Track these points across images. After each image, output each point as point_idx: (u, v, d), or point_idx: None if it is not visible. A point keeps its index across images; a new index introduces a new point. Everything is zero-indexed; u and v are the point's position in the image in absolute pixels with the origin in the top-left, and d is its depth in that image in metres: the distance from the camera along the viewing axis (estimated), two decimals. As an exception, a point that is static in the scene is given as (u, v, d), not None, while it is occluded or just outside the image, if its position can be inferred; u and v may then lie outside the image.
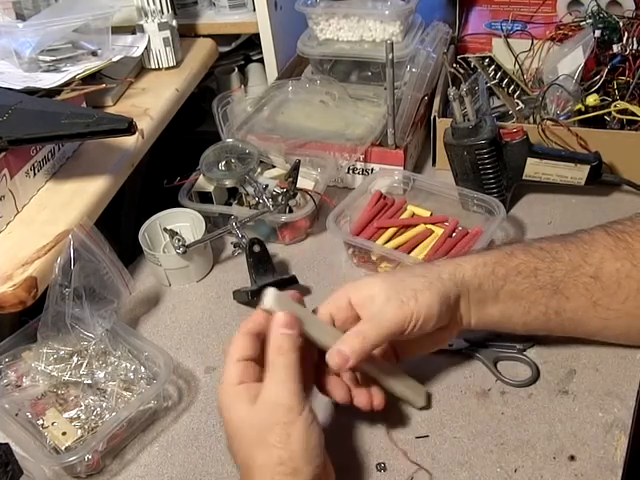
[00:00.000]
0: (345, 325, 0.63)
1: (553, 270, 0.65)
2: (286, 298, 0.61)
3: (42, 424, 0.68)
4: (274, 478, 0.54)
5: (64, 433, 0.67)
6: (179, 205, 0.92)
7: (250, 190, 0.93)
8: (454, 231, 0.88)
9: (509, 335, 0.76)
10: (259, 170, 0.96)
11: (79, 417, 0.69)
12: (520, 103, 1.05)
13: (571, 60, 1.01)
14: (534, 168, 0.92)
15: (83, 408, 0.69)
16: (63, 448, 0.66)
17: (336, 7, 1.07)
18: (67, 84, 0.95)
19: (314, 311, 0.64)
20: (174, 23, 1.13)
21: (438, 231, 0.89)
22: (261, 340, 0.61)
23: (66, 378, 0.72)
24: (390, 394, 0.66)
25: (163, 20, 1.11)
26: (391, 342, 0.67)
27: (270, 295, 0.60)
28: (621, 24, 1.01)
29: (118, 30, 1.09)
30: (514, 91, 1.07)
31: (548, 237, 0.69)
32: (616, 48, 0.99)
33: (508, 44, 1.14)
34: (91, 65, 0.99)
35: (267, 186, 0.92)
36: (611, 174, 0.95)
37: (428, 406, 0.68)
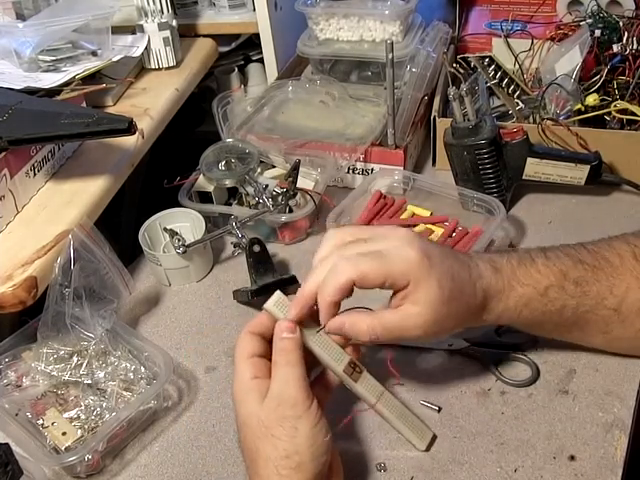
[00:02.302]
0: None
1: (579, 306, 0.64)
2: (289, 303, 0.61)
3: (42, 424, 0.68)
4: (278, 471, 0.55)
5: (64, 433, 0.67)
6: (179, 205, 0.92)
7: (250, 190, 0.93)
8: (454, 231, 0.88)
9: (509, 335, 0.76)
10: (259, 170, 0.96)
11: (79, 417, 0.69)
12: (520, 103, 1.05)
13: (569, 60, 1.01)
14: (534, 168, 0.92)
15: (83, 408, 0.69)
16: (63, 448, 0.66)
17: (336, 7, 1.07)
18: (67, 84, 0.95)
19: None
20: (174, 23, 1.13)
21: (438, 231, 0.89)
22: (267, 339, 0.61)
23: (66, 378, 0.72)
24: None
25: (163, 20, 1.11)
26: None
27: (274, 298, 0.61)
28: (621, 24, 1.01)
29: (118, 30, 1.09)
30: (514, 91, 1.07)
31: (583, 258, 0.65)
32: (616, 48, 0.99)
33: (508, 44, 1.14)
34: (91, 65, 0.99)
35: (267, 186, 0.92)
36: (611, 174, 0.95)
37: (428, 450, 0.66)
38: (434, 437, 0.67)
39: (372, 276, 0.58)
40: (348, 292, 0.59)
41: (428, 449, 0.66)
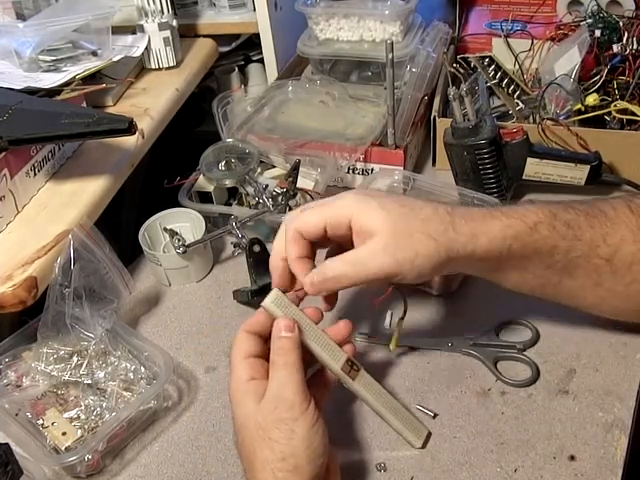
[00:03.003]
0: (335, 237, 0.63)
1: (571, 250, 0.62)
2: (287, 301, 0.61)
3: (42, 424, 0.68)
4: (275, 474, 0.55)
5: (64, 433, 0.67)
6: (179, 205, 0.92)
7: (250, 190, 0.93)
8: (454, 231, 0.88)
9: (509, 335, 0.76)
10: (259, 170, 0.96)
11: (79, 417, 0.69)
12: (520, 103, 1.05)
13: (567, 59, 1.01)
14: (534, 168, 0.92)
15: (83, 408, 0.69)
16: (63, 448, 0.66)
17: (336, 7, 1.07)
18: (67, 84, 0.95)
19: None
20: (174, 23, 1.13)
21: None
22: (264, 339, 0.61)
23: (66, 378, 0.72)
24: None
25: (163, 20, 1.11)
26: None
27: (271, 296, 0.61)
28: (621, 24, 1.01)
29: (118, 30, 1.09)
30: (514, 91, 1.07)
31: (575, 205, 0.64)
32: (616, 48, 0.99)
33: (508, 44, 1.14)
34: (91, 65, 0.99)
35: (267, 186, 0.92)
36: (611, 174, 0.95)
37: (424, 447, 0.66)
38: (429, 434, 0.67)
39: (312, 220, 0.62)
40: (302, 244, 0.62)
41: (424, 446, 0.66)
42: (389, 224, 0.59)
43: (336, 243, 0.65)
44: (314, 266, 0.63)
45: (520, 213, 0.62)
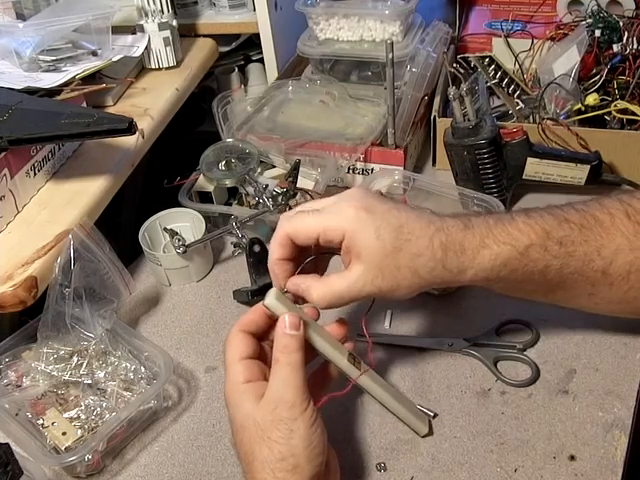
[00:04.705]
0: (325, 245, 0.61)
1: (564, 267, 0.61)
2: (286, 299, 0.61)
3: (42, 424, 0.68)
4: (275, 474, 0.55)
5: (64, 433, 0.67)
6: (179, 205, 0.92)
7: (250, 190, 0.93)
8: (454, 231, 0.88)
9: (509, 335, 0.76)
10: (259, 170, 0.96)
11: (79, 417, 0.69)
12: (520, 103, 1.05)
13: (566, 59, 1.01)
14: (534, 168, 0.92)
15: (83, 408, 0.69)
16: (63, 448, 0.66)
17: (336, 7, 1.07)
18: (67, 84, 0.95)
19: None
20: (174, 23, 1.13)
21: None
22: (257, 338, 0.61)
23: (66, 378, 0.72)
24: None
25: (163, 20, 1.11)
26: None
27: (272, 294, 0.60)
28: (621, 24, 1.01)
29: (118, 30, 1.09)
30: (514, 91, 1.07)
31: (570, 217, 0.62)
32: (616, 48, 0.99)
33: (508, 44, 1.14)
34: (91, 65, 0.99)
35: (267, 186, 0.92)
36: (611, 174, 0.95)
37: (430, 433, 0.67)
38: (430, 422, 0.68)
39: (305, 229, 0.60)
40: (289, 248, 0.61)
41: (429, 434, 0.67)
42: (379, 257, 0.58)
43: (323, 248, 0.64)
44: (295, 269, 0.63)
45: (512, 237, 0.60)
